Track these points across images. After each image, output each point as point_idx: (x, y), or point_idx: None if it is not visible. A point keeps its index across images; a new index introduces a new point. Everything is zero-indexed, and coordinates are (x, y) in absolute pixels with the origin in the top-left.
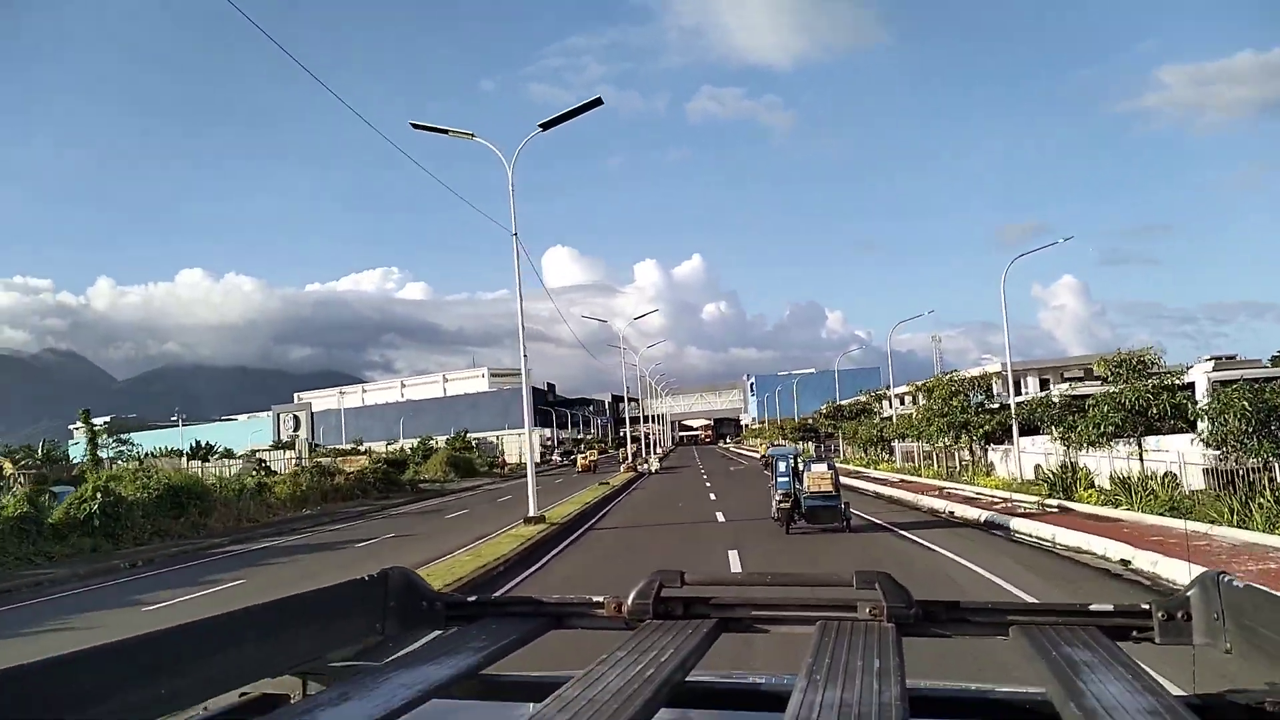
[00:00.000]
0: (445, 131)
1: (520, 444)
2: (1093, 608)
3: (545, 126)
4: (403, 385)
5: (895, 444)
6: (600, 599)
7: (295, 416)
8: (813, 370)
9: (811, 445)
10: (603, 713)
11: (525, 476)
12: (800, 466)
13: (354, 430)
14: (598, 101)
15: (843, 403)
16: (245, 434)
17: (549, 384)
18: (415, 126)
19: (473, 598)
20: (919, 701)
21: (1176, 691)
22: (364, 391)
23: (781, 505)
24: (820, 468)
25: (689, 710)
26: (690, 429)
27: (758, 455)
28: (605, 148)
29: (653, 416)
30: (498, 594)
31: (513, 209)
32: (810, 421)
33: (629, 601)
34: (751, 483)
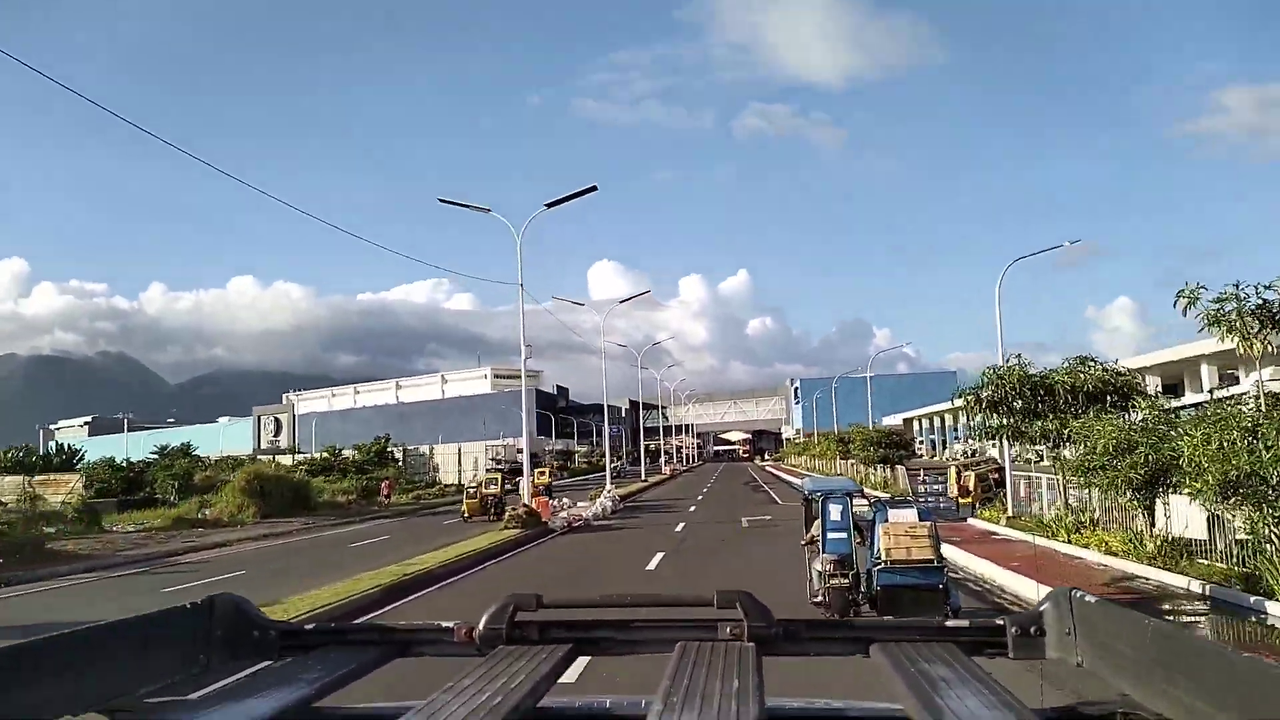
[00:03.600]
0: (466, 206)
1: (466, 456)
2: (949, 624)
3: (550, 205)
4: (398, 386)
5: None
6: (450, 624)
7: (276, 419)
8: (867, 375)
9: (901, 480)
10: None
11: (426, 512)
12: (869, 513)
13: (337, 436)
14: (594, 188)
15: (1055, 370)
16: (226, 437)
17: (558, 387)
18: (442, 201)
19: (310, 625)
20: None
21: (1031, 705)
22: (356, 394)
23: (835, 581)
24: (907, 514)
25: None
26: (728, 443)
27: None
28: (651, 163)
29: (678, 427)
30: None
31: (520, 266)
32: (898, 434)
33: (480, 626)
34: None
